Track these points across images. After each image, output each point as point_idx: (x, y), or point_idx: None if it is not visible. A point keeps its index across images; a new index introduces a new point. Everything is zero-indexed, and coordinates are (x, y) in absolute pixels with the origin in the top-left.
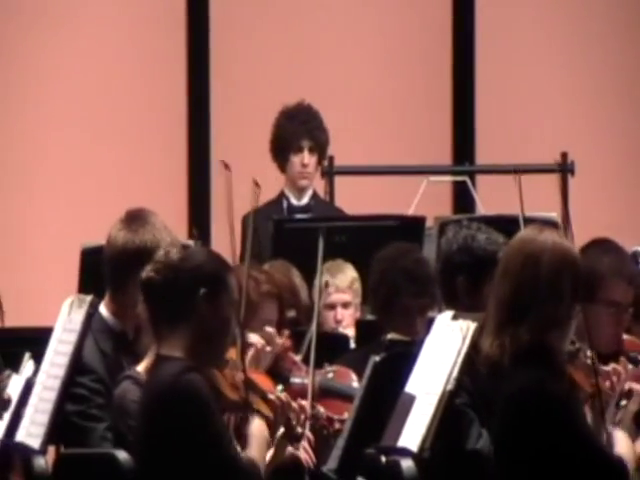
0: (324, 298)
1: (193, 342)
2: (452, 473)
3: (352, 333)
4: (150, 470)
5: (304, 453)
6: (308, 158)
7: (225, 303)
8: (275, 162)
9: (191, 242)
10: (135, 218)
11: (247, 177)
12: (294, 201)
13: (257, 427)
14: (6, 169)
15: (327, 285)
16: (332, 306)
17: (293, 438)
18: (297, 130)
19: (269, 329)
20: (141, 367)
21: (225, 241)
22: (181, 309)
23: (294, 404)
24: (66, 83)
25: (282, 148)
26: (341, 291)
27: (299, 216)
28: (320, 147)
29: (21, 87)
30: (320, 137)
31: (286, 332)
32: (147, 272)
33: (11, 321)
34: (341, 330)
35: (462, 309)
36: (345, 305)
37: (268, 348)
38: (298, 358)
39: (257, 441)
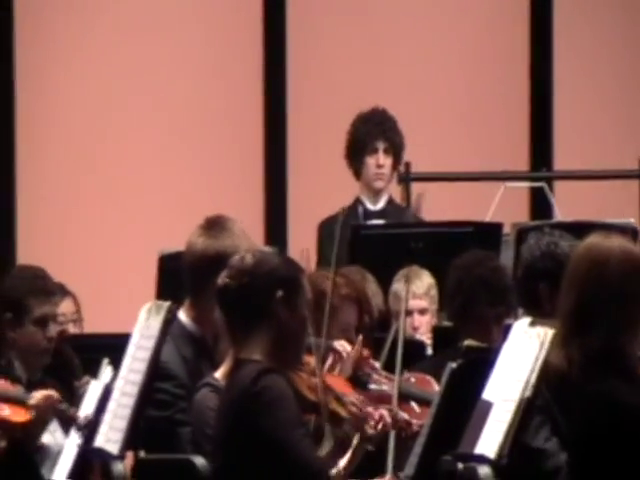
0: (400, 304)
1: (271, 344)
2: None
3: (428, 339)
4: (228, 474)
5: None
6: (383, 159)
7: (301, 304)
8: (350, 168)
9: (269, 248)
10: (214, 224)
11: (323, 183)
12: (370, 206)
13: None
14: (86, 177)
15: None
16: (409, 313)
17: (367, 442)
18: (372, 131)
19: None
20: (219, 373)
21: (302, 247)
22: (258, 312)
23: (370, 408)
24: (145, 92)
25: (357, 150)
26: (418, 297)
27: (376, 222)
28: (395, 149)
29: (102, 97)
30: (395, 138)
31: (359, 337)
32: (222, 278)
33: (90, 327)
34: (417, 336)
35: (543, 315)
36: (422, 312)
37: (350, 354)
38: (377, 364)
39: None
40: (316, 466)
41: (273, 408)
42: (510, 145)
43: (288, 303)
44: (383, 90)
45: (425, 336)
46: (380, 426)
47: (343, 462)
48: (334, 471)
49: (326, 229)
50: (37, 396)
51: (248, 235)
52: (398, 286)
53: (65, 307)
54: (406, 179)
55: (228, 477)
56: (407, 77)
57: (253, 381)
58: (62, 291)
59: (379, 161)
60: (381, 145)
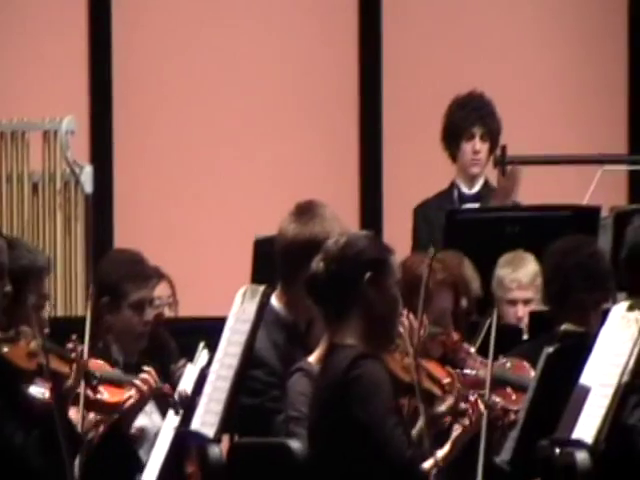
0: (505, 292)
1: (365, 327)
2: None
3: (525, 324)
4: (323, 460)
5: None
6: (480, 145)
7: (390, 285)
8: (446, 151)
9: (362, 232)
10: (305, 210)
11: (418, 167)
12: (465, 190)
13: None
14: (183, 162)
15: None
16: (513, 302)
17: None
18: (469, 117)
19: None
20: (313, 358)
21: (397, 231)
22: (348, 296)
23: (466, 391)
24: (239, 75)
25: (453, 135)
26: (524, 288)
27: (471, 206)
28: (492, 134)
29: (194, 81)
30: (492, 124)
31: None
32: (316, 263)
33: (186, 311)
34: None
35: None
36: (526, 302)
37: (439, 337)
38: (472, 349)
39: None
40: (407, 456)
41: (368, 395)
42: (608, 128)
43: (377, 284)
44: (480, 72)
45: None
46: (473, 412)
47: (442, 452)
48: (431, 461)
49: (421, 213)
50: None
51: (340, 219)
52: (503, 272)
53: (161, 290)
54: (502, 162)
55: (323, 463)
56: (504, 59)
57: (348, 367)
58: (157, 274)
59: (475, 147)
60: (478, 131)
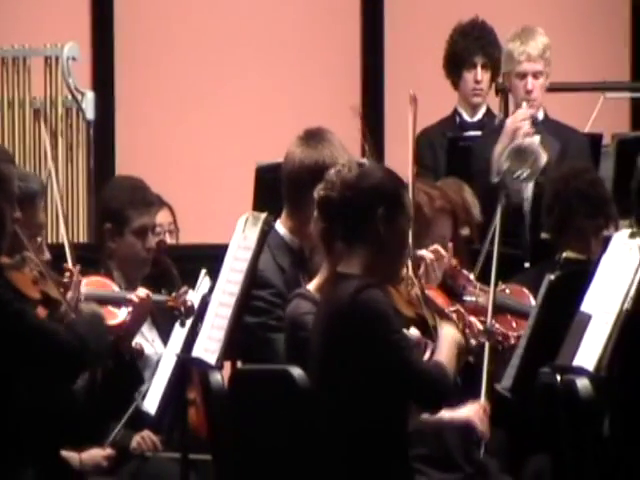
0: (514, 65)
1: (371, 259)
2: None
3: (540, 107)
4: (327, 385)
5: None
6: (481, 75)
7: (402, 220)
8: (448, 79)
9: (365, 160)
10: (313, 135)
11: (424, 94)
12: (467, 117)
13: (448, 332)
14: (184, 90)
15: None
16: (523, 75)
17: (468, 354)
18: (470, 46)
19: (436, 246)
20: (312, 286)
21: (398, 160)
22: (359, 228)
23: (470, 318)
24: (241, 2)
25: (455, 64)
26: (532, 60)
27: (472, 133)
28: (493, 63)
29: (197, 7)
30: (493, 53)
31: (450, 245)
32: (321, 190)
33: (187, 238)
34: (521, 117)
35: None
36: (536, 75)
37: (436, 264)
38: (472, 276)
39: (447, 345)
40: (420, 371)
41: (375, 320)
42: (610, 55)
43: (389, 220)
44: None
45: (537, 102)
46: (469, 334)
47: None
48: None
49: (424, 140)
50: (135, 294)
51: (346, 148)
52: (512, 45)
53: (162, 217)
54: (504, 90)
55: (326, 390)
56: None
57: (353, 295)
58: (159, 202)
59: (477, 77)
60: (479, 60)
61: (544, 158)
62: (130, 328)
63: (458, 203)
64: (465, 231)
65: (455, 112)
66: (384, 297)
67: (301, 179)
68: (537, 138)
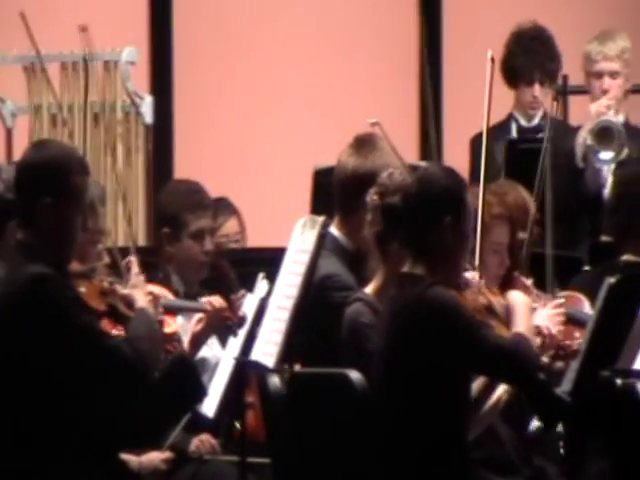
0: (591, 65)
1: (434, 262)
2: None
3: (616, 108)
4: (390, 387)
5: None
6: (539, 91)
7: (465, 223)
8: (504, 81)
9: (423, 163)
10: (365, 143)
11: (479, 96)
12: (524, 123)
13: (519, 299)
14: (243, 94)
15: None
16: (599, 75)
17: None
18: (529, 64)
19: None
20: (369, 289)
21: (456, 159)
22: (424, 235)
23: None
24: (299, 6)
25: (512, 77)
26: (609, 59)
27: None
28: (551, 77)
29: (256, 12)
30: (552, 68)
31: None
32: (375, 194)
33: (247, 242)
34: (605, 104)
35: None
36: (613, 75)
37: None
38: (529, 282)
39: (521, 312)
40: (512, 347)
41: (448, 311)
42: None
43: (454, 227)
44: (539, 2)
45: (613, 101)
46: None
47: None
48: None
49: (478, 144)
50: (208, 302)
51: (397, 153)
52: (590, 47)
53: (229, 228)
54: (563, 92)
55: (388, 392)
56: None
57: (421, 292)
58: (228, 209)
59: (534, 93)
60: (537, 76)
61: (626, 145)
62: (201, 337)
63: (516, 207)
64: (524, 235)
65: (511, 117)
66: (453, 294)
67: (353, 187)
68: (621, 118)
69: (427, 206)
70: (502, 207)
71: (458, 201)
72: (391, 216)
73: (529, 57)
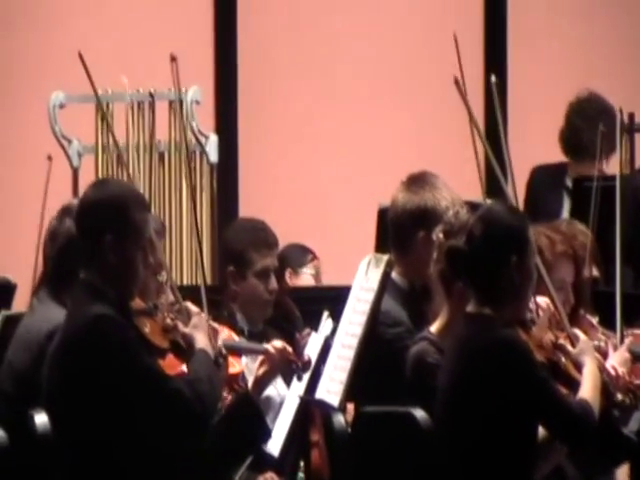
0: None
1: (503, 301)
2: None
3: None
4: (456, 426)
5: None
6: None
7: (530, 261)
8: (564, 151)
9: (486, 201)
10: (416, 180)
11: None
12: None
13: (591, 369)
14: (307, 132)
15: None
16: None
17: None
18: (591, 144)
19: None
20: (434, 328)
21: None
22: (490, 274)
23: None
24: (364, 43)
25: (572, 149)
26: None
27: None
28: (611, 148)
29: (320, 50)
30: (612, 142)
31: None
32: (441, 233)
33: (311, 280)
34: None
35: None
36: None
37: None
38: (595, 320)
39: (591, 382)
40: (567, 407)
41: (519, 357)
42: None
43: (521, 266)
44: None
45: None
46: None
47: None
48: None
49: (538, 174)
50: (272, 346)
51: (451, 188)
52: None
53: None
54: (630, 130)
55: (454, 431)
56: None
57: (491, 334)
58: (310, 257)
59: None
60: (597, 151)
61: None
62: (264, 380)
63: (579, 247)
64: (594, 272)
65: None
66: (520, 337)
67: (404, 224)
68: None
69: (493, 248)
70: (567, 245)
71: (523, 239)
72: (456, 257)
73: (592, 134)
